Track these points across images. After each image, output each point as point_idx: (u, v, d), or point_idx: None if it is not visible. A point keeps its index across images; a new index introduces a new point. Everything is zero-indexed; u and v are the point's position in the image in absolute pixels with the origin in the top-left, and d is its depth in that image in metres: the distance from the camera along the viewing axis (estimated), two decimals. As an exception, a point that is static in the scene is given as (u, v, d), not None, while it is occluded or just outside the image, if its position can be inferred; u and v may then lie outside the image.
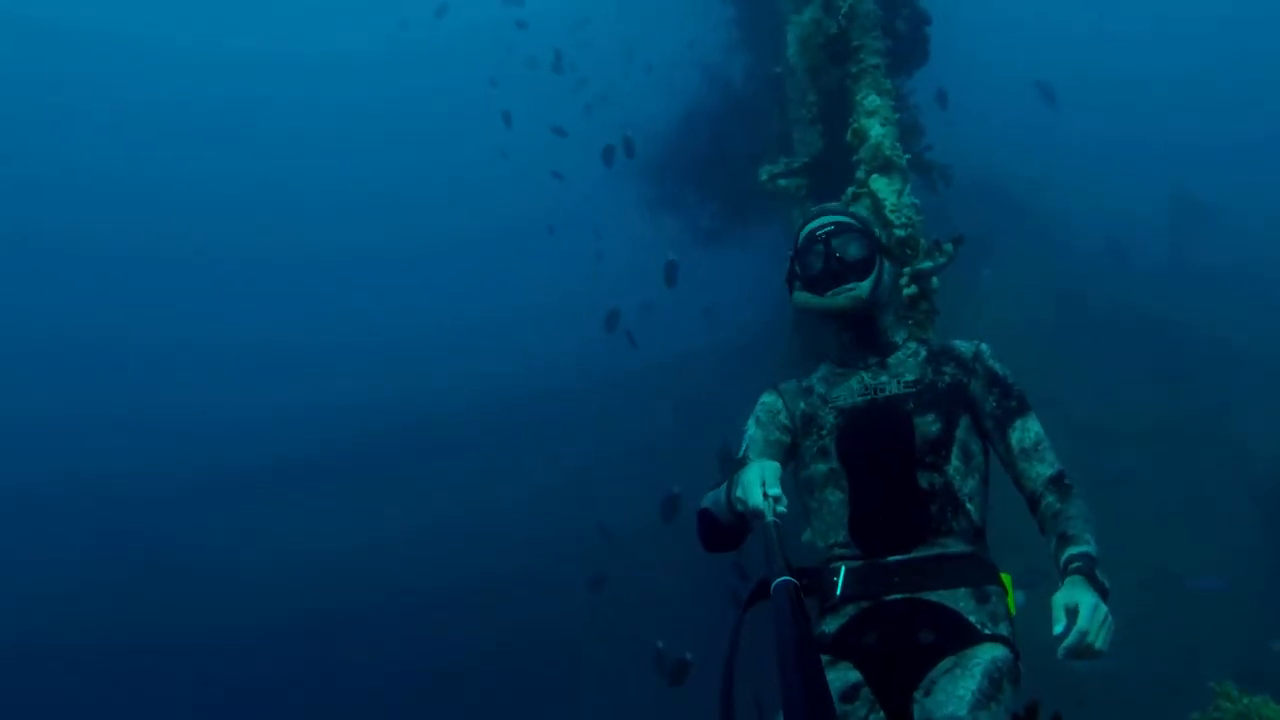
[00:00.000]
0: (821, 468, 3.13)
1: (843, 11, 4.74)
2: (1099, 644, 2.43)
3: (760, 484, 2.58)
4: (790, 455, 3.25)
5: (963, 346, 3.28)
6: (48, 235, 34.60)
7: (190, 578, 19.51)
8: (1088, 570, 2.67)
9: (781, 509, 2.53)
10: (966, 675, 2.66)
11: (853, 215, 3.36)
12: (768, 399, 3.36)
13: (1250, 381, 13.79)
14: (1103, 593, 2.59)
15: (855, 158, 4.44)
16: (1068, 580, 2.65)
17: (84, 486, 23.10)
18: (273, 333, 30.17)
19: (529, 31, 22.07)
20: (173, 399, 27.27)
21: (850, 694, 2.75)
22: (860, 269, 3.16)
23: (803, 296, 3.24)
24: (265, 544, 19.90)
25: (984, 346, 3.27)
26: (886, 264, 3.27)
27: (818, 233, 3.22)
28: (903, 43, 5.80)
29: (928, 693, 2.67)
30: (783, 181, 6.71)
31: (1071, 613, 2.45)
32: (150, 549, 20.44)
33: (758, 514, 2.55)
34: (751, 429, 3.29)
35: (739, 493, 2.65)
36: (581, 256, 23.05)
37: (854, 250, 3.17)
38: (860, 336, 3.24)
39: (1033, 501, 3.10)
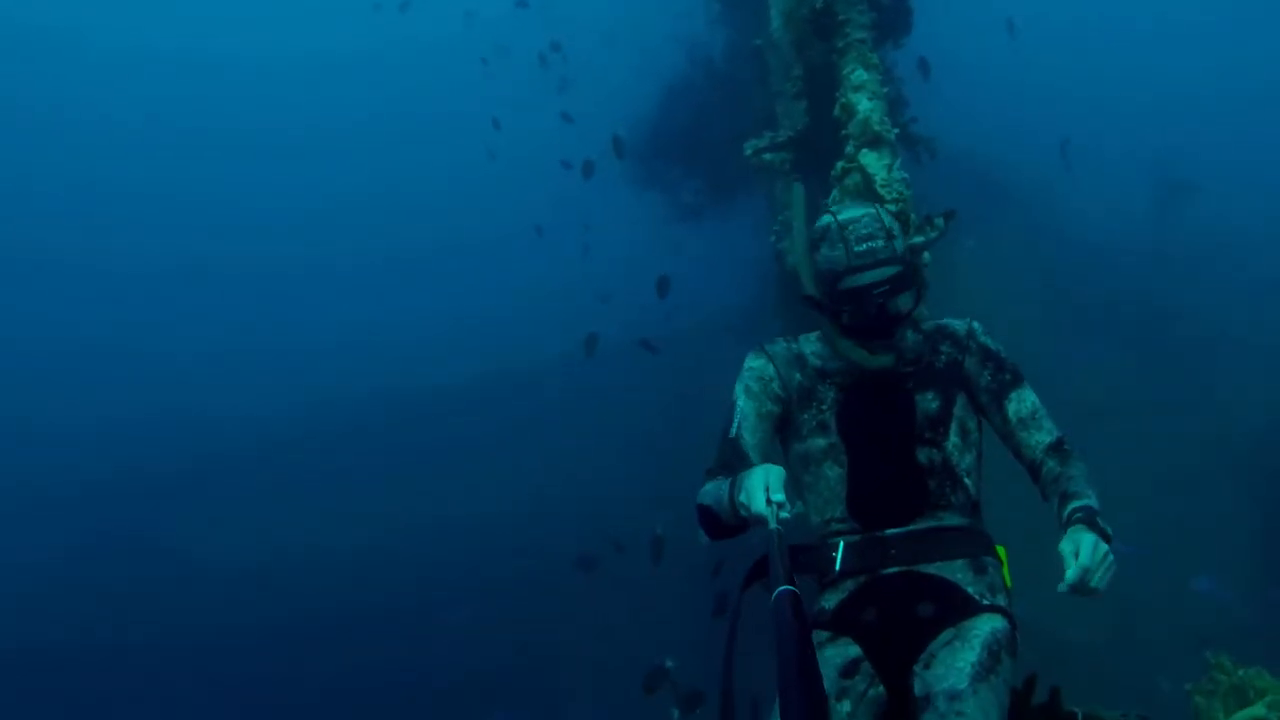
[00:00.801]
0: (820, 442, 3.09)
1: (827, -18, 4.69)
2: (1097, 582, 2.45)
3: (764, 489, 2.52)
4: (780, 426, 3.19)
5: (956, 325, 3.26)
6: (35, 243, 34.53)
7: (184, 576, 19.49)
8: (1089, 519, 2.67)
9: (785, 515, 2.47)
10: (966, 647, 2.66)
11: (902, 256, 3.06)
12: (756, 363, 3.23)
13: (1233, 358, 13.88)
14: (1105, 538, 2.58)
15: (844, 133, 4.40)
16: (1070, 529, 2.65)
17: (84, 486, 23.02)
18: (263, 333, 30.14)
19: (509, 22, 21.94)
20: (166, 398, 27.11)
21: (850, 669, 2.74)
22: (903, 318, 3.07)
23: (844, 344, 3.08)
24: (260, 542, 19.87)
25: (976, 324, 3.24)
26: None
27: (874, 291, 2.97)
28: (886, 14, 5.72)
29: (927, 665, 2.67)
30: (768, 156, 6.65)
31: (1074, 555, 2.47)
32: (146, 547, 20.40)
33: (761, 521, 2.50)
34: (741, 400, 3.16)
35: (742, 498, 2.59)
36: (570, 252, 22.90)
37: (903, 304, 3.03)
38: (871, 325, 3.08)
39: (1034, 469, 3.09)
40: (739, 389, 3.18)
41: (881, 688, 2.74)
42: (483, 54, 22.62)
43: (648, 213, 13.27)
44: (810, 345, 3.25)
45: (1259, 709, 2.70)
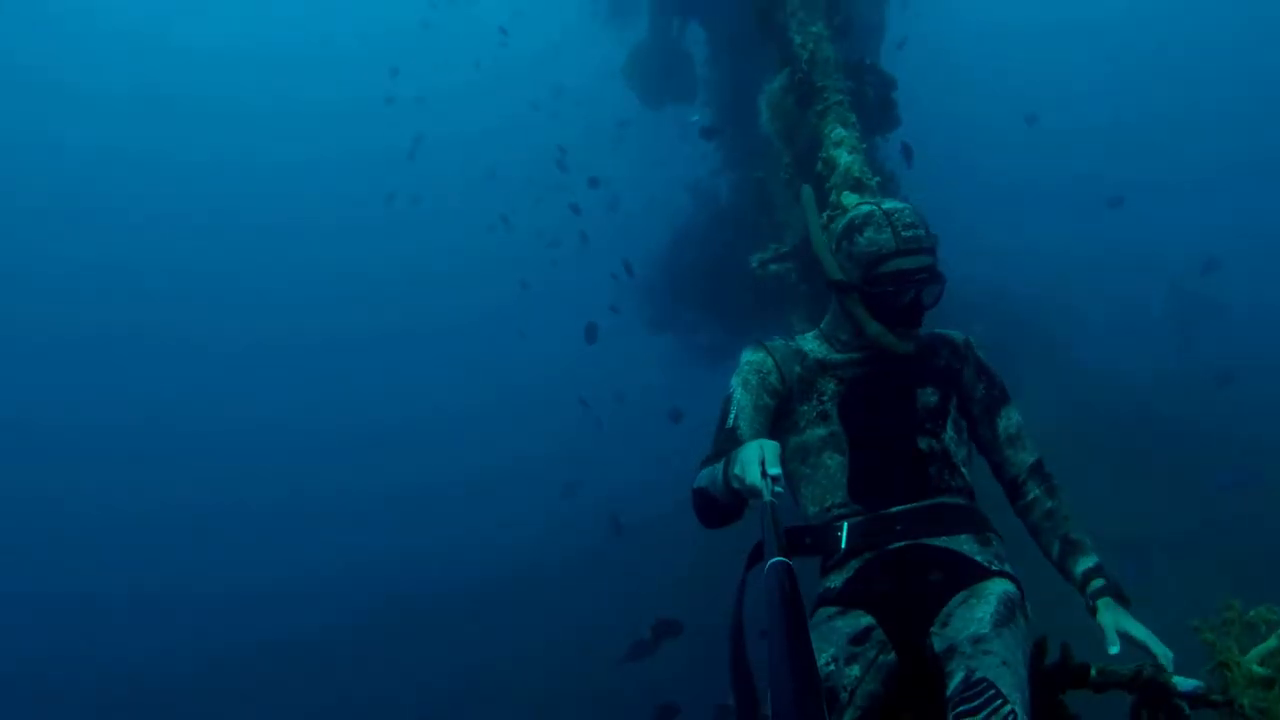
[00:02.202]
0: (820, 431, 3.12)
1: (804, 58, 5.03)
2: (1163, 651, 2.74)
3: (759, 462, 2.53)
4: (776, 419, 3.19)
5: (954, 334, 3.37)
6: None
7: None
8: (1115, 590, 2.87)
9: (779, 489, 2.49)
10: (982, 603, 2.67)
11: (931, 238, 3.13)
12: (755, 357, 3.23)
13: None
14: (1127, 602, 2.83)
15: (828, 185, 4.62)
16: (1104, 603, 2.85)
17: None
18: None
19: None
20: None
21: (860, 637, 2.72)
22: (927, 309, 3.14)
23: (872, 325, 3.10)
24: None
25: (971, 337, 3.37)
26: None
27: (916, 275, 3.04)
28: (871, 107, 6.04)
29: (945, 624, 2.66)
30: (773, 267, 6.89)
31: (1124, 637, 2.74)
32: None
33: (755, 493, 2.50)
34: (738, 393, 3.16)
35: (737, 470, 2.59)
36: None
37: (931, 295, 3.12)
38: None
39: (1013, 487, 3.23)
40: (736, 382, 3.19)
41: (892, 655, 2.72)
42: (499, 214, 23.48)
43: (663, 355, 13.49)
44: (809, 343, 3.30)
45: (1273, 642, 2.66)
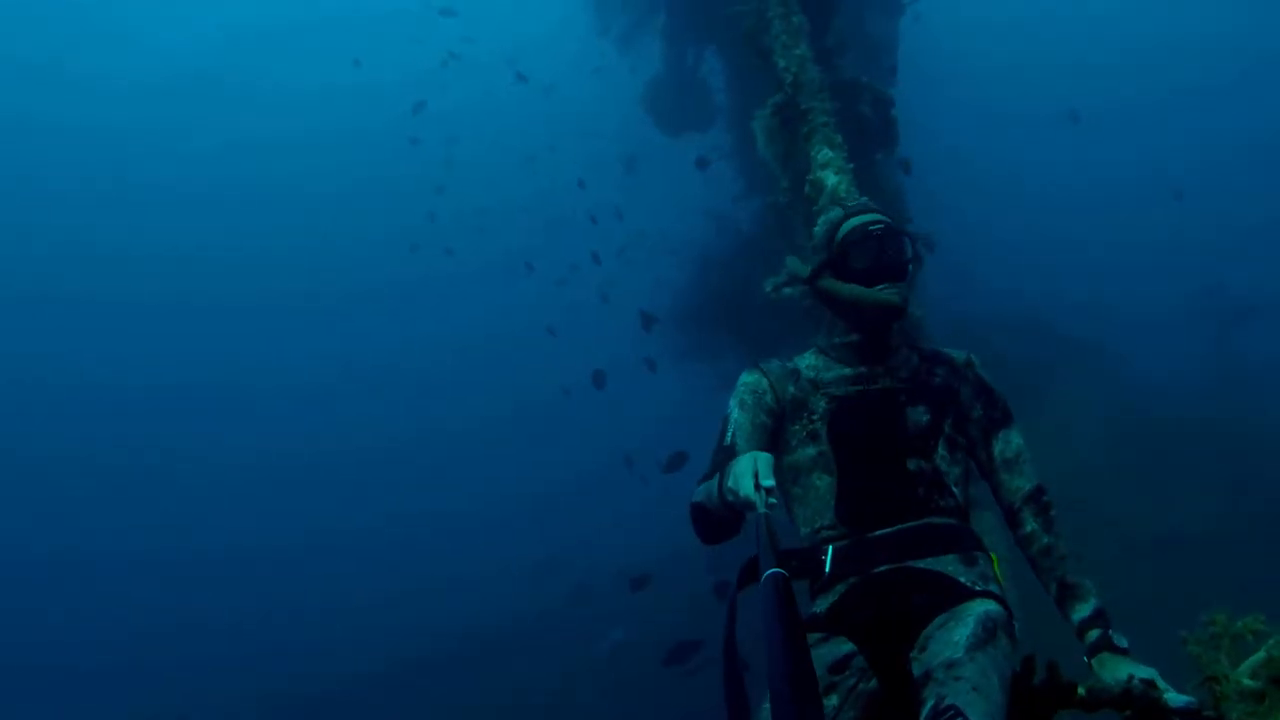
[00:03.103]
0: (810, 451, 3.10)
1: (788, 81, 5.03)
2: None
3: (753, 474, 2.53)
4: (773, 438, 3.18)
5: (955, 353, 3.32)
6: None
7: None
8: (1110, 643, 2.83)
9: (773, 501, 2.47)
10: (960, 625, 2.62)
11: (885, 213, 3.31)
12: (750, 378, 3.26)
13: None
14: (1126, 652, 2.80)
15: (815, 208, 4.61)
16: (1099, 661, 2.82)
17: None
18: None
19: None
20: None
21: (839, 665, 2.68)
22: (902, 272, 3.16)
23: (849, 288, 3.15)
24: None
25: (974, 356, 3.30)
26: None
27: (871, 228, 3.16)
28: (869, 125, 6.02)
29: (923, 649, 2.61)
30: (787, 290, 6.85)
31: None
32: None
33: (749, 505, 2.50)
34: (735, 413, 3.16)
35: (730, 483, 2.58)
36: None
37: (901, 253, 3.17)
38: (873, 340, 3.21)
39: (1011, 514, 3.14)
40: (733, 403, 3.20)
41: (874, 682, 2.68)
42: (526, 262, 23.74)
43: (691, 384, 13.46)
44: (805, 360, 3.29)
45: (1262, 654, 2.58)
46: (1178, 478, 13.78)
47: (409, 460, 31.13)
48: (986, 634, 2.59)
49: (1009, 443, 3.17)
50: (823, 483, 3.06)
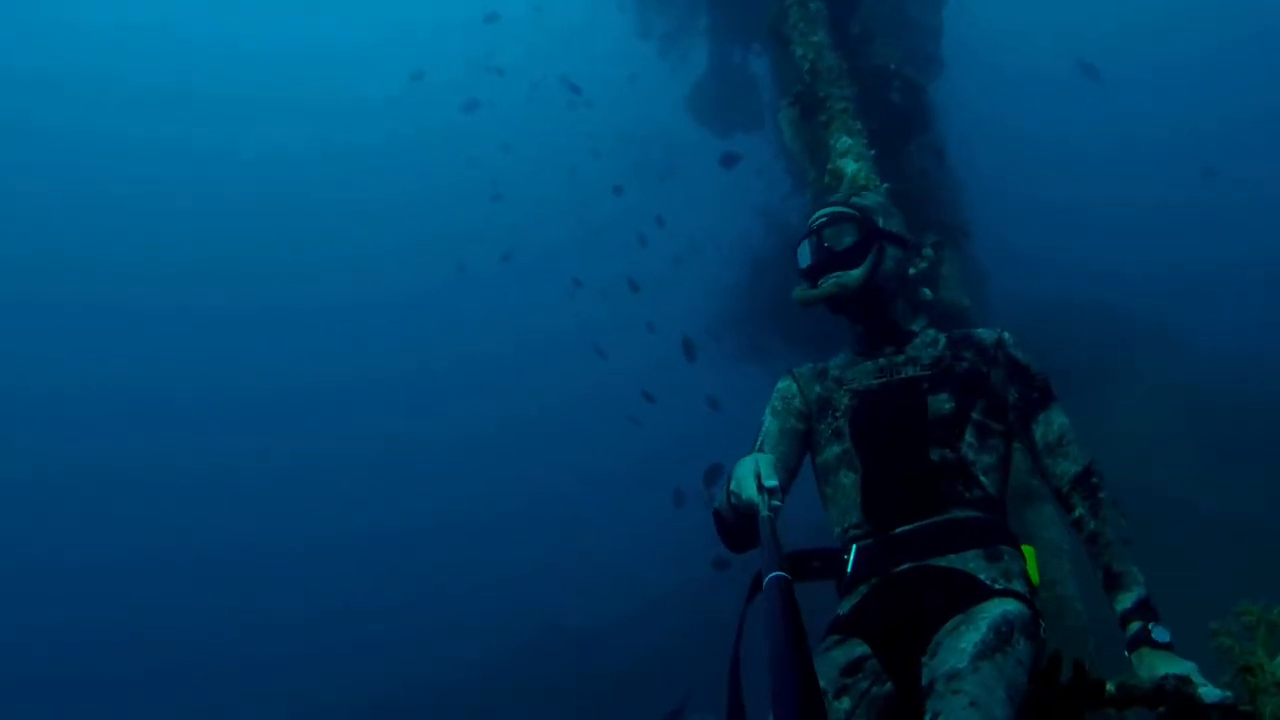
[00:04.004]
0: (835, 449, 3.04)
1: (805, 69, 4.93)
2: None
3: (755, 476, 2.49)
4: (806, 441, 3.15)
5: (984, 335, 3.13)
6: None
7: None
8: (1149, 638, 2.64)
9: (776, 502, 2.43)
10: (971, 629, 2.50)
11: (852, 205, 3.21)
12: (782, 384, 3.27)
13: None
14: (1168, 647, 2.61)
15: (834, 197, 4.50)
16: (1138, 656, 2.65)
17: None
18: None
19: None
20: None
21: (853, 668, 2.59)
22: (851, 258, 3.06)
23: (797, 291, 3.14)
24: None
25: (1006, 335, 3.11)
26: (891, 250, 3.15)
27: (812, 224, 3.16)
28: (897, 112, 5.88)
29: (933, 655, 2.50)
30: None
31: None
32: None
33: (752, 508, 2.46)
34: (767, 420, 3.17)
35: (733, 486, 2.56)
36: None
37: (847, 239, 3.07)
38: (873, 328, 3.14)
39: (1061, 500, 2.97)
40: (766, 411, 3.21)
41: (889, 685, 2.59)
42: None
43: (748, 386, 13.32)
44: (836, 359, 3.25)
45: (1301, 643, 2.43)
46: (1249, 461, 13.36)
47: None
48: (998, 639, 2.46)
49: (1050, 425, 2.97)
50: (849, 480, 2.98)
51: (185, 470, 35.33)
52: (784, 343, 12.47)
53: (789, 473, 3.04)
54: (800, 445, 3.12)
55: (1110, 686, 2.63)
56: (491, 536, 28.19)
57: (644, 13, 17.10)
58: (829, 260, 3.06)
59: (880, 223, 3.15)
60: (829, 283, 3.05)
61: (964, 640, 2.45)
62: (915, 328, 3.19)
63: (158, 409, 37.63)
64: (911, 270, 4.05)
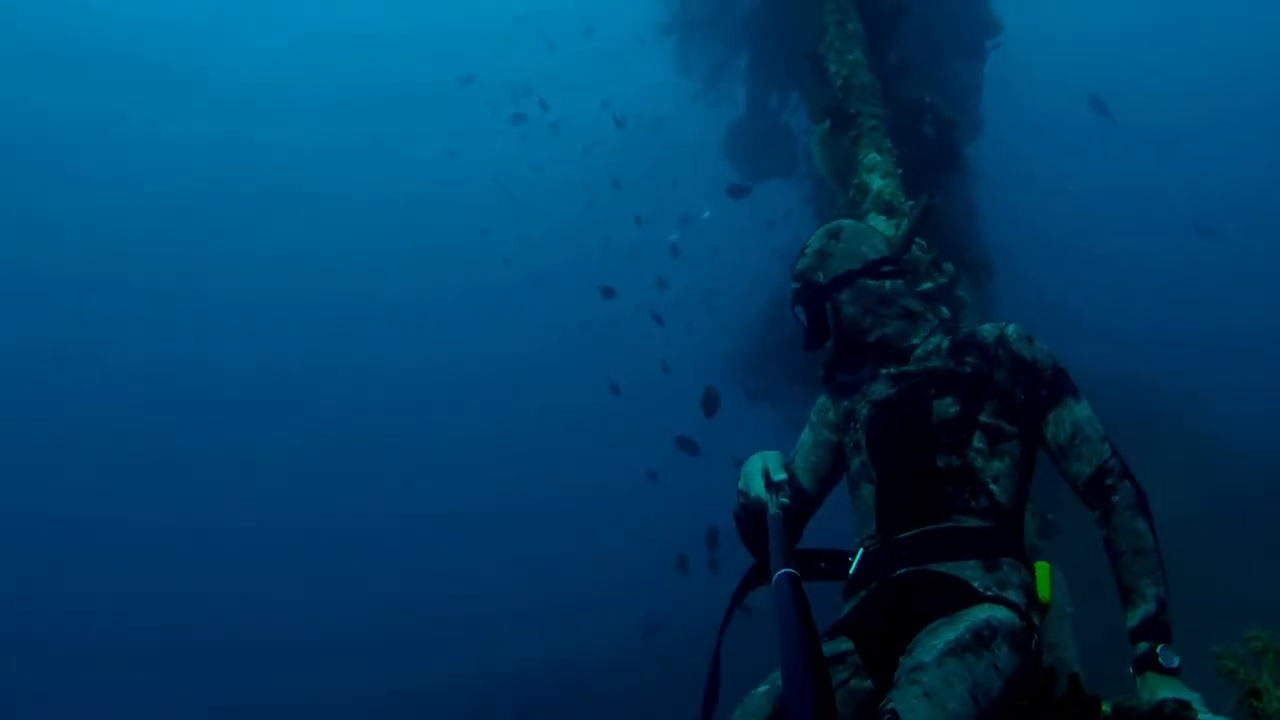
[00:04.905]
0: (856, 461, 3.06)
1: (838, 85, 4.90)
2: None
3: (762, 474, 2.52)
4: (841, 454, 3.18)
5: (986, 332, 2.98)
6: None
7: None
8: (1156, 662, 2.48)
9: (784, 499, 2.39)
10: (949, 629, 2.43)
11: (796, 274, 3.22)
12: (820, 400, 3.29)
13: None
14: (1174, 673, 2.45)
15: (860, 211, 4.45)
16: (1142, 681, 2.51)
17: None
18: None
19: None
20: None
21: (834, 660, 2.55)
22: (817, 329, 3.17)
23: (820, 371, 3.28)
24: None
25: (1009, 329, 2.93)
26: (859, 284, 3.08)
27: (791, 302, 3.26)
28: (930, 147, 5.82)
29: (909, 652, 2.43)
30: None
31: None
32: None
33: (760, 505, 2.48)
34: (804, 434, 3.24)
35: (741, 485, 2.60)
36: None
37: (803, 315, 3.19)
38: (872, 358, 3.12)
39: (1083, 501, 2.82)
40: (806, 427, 3.27)
41: (868, 682, 2.54)
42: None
43: (760, 428, 13.20)
44: (863, 372, 3.23)
45: (1312, 671, 2.32)
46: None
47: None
48: (976, 641, 2.38)
49: (1060, 424, 2.80)
50: (867, 491, 2.97)
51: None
52: (803, 387, 12.39)
53: (820, 481, 3.13)
54: (834, 456, 3.16)
55: (1106, 706, 2.52)
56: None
57: (685, 50, 17.27)
58: (808, 338, 3.20)
59: (838, 265, 3.11)
60: (822, 358, 3.20)
61: (938, 638, 2.38)
62: (916, 339, 3.11)
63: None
64: (929, 285, 4.00)
